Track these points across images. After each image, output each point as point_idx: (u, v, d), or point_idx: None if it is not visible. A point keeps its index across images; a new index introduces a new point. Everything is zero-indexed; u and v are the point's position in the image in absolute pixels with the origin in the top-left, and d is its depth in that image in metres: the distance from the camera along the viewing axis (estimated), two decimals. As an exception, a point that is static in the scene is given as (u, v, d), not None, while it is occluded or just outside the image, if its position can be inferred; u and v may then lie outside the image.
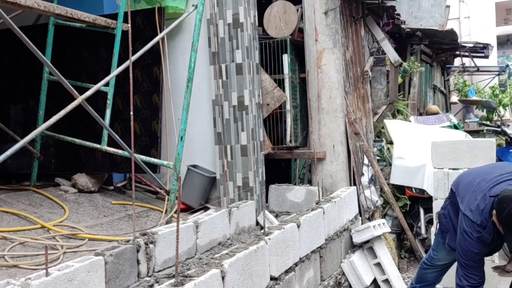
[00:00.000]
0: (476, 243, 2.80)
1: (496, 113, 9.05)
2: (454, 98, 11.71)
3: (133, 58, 3.40)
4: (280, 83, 4.75)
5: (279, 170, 5.63)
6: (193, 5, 4.20)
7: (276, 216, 4.26)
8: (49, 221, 3.58)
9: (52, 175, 4.71)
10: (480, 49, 11.00)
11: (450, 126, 6.31)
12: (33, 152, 4.41)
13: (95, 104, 3.76)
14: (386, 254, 4.13)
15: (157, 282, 2.44)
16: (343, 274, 3.92)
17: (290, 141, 4.75)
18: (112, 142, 3.89)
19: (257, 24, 4.62)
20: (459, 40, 9.88)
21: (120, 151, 3.98)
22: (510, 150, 5.38)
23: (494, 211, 2.69)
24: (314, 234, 3.37)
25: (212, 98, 4.46)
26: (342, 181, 4.61)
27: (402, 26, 7.27)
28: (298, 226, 3.12)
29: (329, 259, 3.69)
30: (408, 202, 5.07)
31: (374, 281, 4.07)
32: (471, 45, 10.87)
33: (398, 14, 6.94)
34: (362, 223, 4.51)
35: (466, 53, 11.16)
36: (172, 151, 4.47)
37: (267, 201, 4.51)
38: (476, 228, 2.80)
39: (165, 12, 4.58)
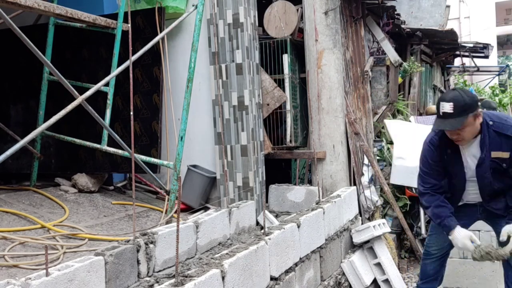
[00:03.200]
0: (428, 148, 3.06)
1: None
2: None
3: (133, 58, 3.40)
4: (280, 83, 4.75)
5: (279, 170, 5.63)
6: (193, 5, 4.20)
7: (276, 216, 4.26)
8: (49, 221, 3.58)
9: (52, 175, 4.71)
10: (480, 49, 11.01)
11: (450, 126, 6.28)
12: (33, 152, 4.41)
13: (95, 104, 3.76)
14: (386, 254, 4.13)
15: (157, 282, 2.44)
16: (343, 274, 3.92)
17: (290, 141, 4.75)
18: (112, 142, 3.89)
19: (257, 24, 4.62)
20: (459, 40, 9.88)
21: (120, 151, 3.98)
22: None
23: None
24: (314, 234, 3.37)
25: (212, 98, 4.46)
26: (342, 181, 4.61)
27: (402, 26, 7.27)
28: (298, 226, 3.12)
29: (329, 259, 3.69)
30: (408, 202, 5.08)
31: (374, 281, 4.07)
32: (471, 45, 10.87)
33: (398, 14, 6.94)
34: (362, 223, 4.51)
35: (466, 53, 11.16)
36: (172, 151, 4.47)
37: (267, 201, 4.51)
38: (430, 135, 3.08)
39: (165, 12, 4.58)
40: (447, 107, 2.77)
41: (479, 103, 2.97)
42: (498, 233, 3.05)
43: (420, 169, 3.13)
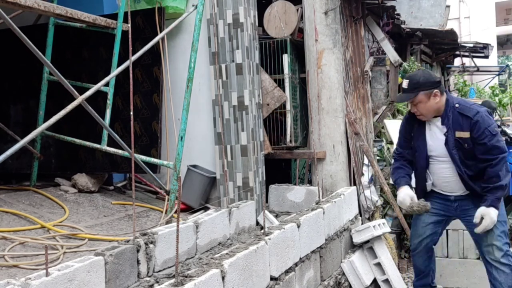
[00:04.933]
0: (403, 122, 3.51)
1: (496, 113, 9.05)
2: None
3: (133, 58, 3.40)
4: (280, 83, 4.75)
5: (279, 170, 5.63)
6: (193, 5, 4.20)
7: (276, 216, 4.26)
8: (49, 221, 3.58)
9: (52, 175, 4.71)
10: (480, 49, 11.01)
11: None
12: (33, 152, 4.41)
13: (95, 104, 3.76)
14: (386, 254, 4.13)
15: (157, 282, 2.44)
16: (343, 274, 3.92)
17: (290, 141, 4.75)
18: (112, 142, 3.89)
19: (257, 24, 4.62)
20: (459, 40, 9.89)
21: (120, 151, 3.98)
22: (510, 150, 5.36)
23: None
24: (314, 234, 3.37)
25: (212, 98, 4.46)
26: (342, 181, 4.62)
27: (402, 26, 7.27)
28: (298, 226, 3.12)
29: (329, 259, 3.69)
30: (408, 202, 5.06)
31: (374, 281, 4.07)
32: (471, 45, 10.88)
33: (398, 14, 6.95)
34: (362, 223, 4.51)
35: (466, 53, 11.16)
36: (172, 151, 4.46)
37: (267, 201, 4.51)
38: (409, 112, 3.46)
39: (165, 12, 4.58)
40: (404, 83, 3.26)
41: (440, 85, 3.24)
42: (471, 231, 3.29)
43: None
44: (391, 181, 5.06)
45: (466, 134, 3.12)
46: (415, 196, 3.28)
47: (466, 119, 3.13)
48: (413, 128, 3.37)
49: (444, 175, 3.29)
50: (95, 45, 4.65)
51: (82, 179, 4.47)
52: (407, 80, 3.25)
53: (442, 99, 3.22)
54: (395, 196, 5.00)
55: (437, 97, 3.20)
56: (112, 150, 4.02)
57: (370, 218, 4.63)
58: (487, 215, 3.06)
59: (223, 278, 2.24)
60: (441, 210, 3.40)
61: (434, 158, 3.30)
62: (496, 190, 3.07)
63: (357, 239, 4.15)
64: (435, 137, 3.27)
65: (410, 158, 3.42)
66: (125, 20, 3.96)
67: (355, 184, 4.64)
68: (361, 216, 4.60)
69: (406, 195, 3.26)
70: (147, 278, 2.55)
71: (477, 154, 3.12)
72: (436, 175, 3.34)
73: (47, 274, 1.96)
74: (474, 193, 3.20)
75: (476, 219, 3.10)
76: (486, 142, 3.07)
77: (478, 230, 3.10)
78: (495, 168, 3.07)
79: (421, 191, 3.40)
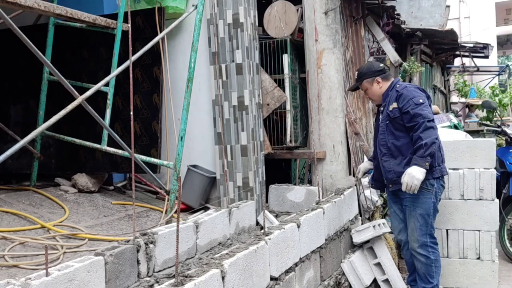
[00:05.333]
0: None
1: (496, 113, 9.05)
2: (454, 98, 11.71)
3: (133, 58, 3.40)
4: (280, 83, 4.75)
5: (279, 170, 5.63)
6: (193, 5, 4.20)
7: (276, 216, 4.26)
8: (49, 221, 3.58)
9: (52, 175, 4.71)
10: (480, 49, 11.01)
11: (450, 126, 6.32)
12: (33, 152, 4.41)
13: (95, 104, 3.76)
14: (386, 254, 4.13)
15: (157, 282, 2.44)
16: (343, 274, 3.92)
17: (290, 141, 4.75)
18: (112, 142, 3.89)
19: (257, 24, 4.62)
20: (459, 40, 9.89)
21: (120, 151, 3.98)
22: (510, 150, 5.37)
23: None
24: (314, 234, 3.37)
25: (212, 98, 4.46)
26: (342, 181, 4.61)
27: (402, 26, 7.27)
28: (298, 226, 3.12)
29: (329, 259, 3.69)
30: (408, 202, 5.07)
31: (374, 281, 4.07)
32: (471, 45, 10.88)
33: (398, 14, 6.94)
34: (362, 223, 4.51)
35: (466, 53, 11.17)
36: (172, 151, 4.47)
37: (267, 201, 4.51)
38: None
39: (165, 12, 4.58)
40: (355, 74, 3.91)
41: (381, 73, 3.73)
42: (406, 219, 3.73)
43: None
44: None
45: (394, 105, 3.57)
46: (365, 169, 4.08)
47: (396, 93, 3.60)
48: (378, 113, 3.89)
49: (381, 156, 3.69)
50: (95, 45, 4.65)
51: (82, 179, 4.47)
52: (356, 72, 3.90)
53: (385, 85, 3.74)
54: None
55: (380, 83, 3.74)
56: (112, 150, 4.02)
57: (370, 218, 4.63)
58: (407, 173, 3.37)
59: (223, 278, 2.24)
60: (391, 202, 3.86)
61: (378, 140, 3.73)
62: (418, 149, 3.36)
63: (357, 239, 4.15)
64: (380, 117, 3.78)
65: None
66: (125, 20, 3.96)
67: (355, 184, 4.64)
68: (361, 216, 4.60)
69: (363, 166, 4.12)
70: (147, 278, 2.55)
71: (405, 124, 3.49)
72: (377, 160, 3.77)
73: (47, 274, 1.96)
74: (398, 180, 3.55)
75: (402, 180, 3.42)
76: (409, 110, 3.44)
77: (402, 188, 3.43)
78: (417, 132, 3.38)
79: (380, 181, 3.86)
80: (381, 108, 3.76)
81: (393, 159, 3.59)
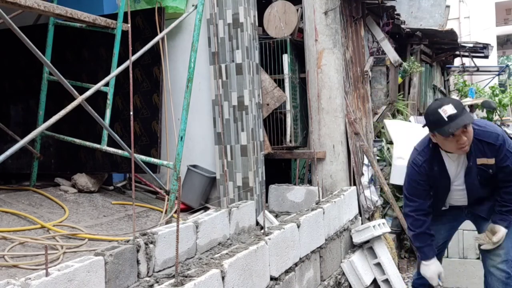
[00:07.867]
0: (412, 170, 2.98)
1: (496, 113, 9.06)
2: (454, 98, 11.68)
3: (133, 58, 3.40)
4: (280, 83, 4.75)
5: (279, 170, 5.63)
6: (193, 5, 4.20)
7: (276, 216, 4.26)
8: (49, 221, 3.58)
9: (52, 175, 4.71)
10: (480, 49, 11.01)
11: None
12: (33, 152, 4.41)
13: (95, 104, 3.76)
14: (386, 254, 4.13)
15: (157, 282, 2.44)
16: (343, 274, 3.92)
17: (290, 141, 4.75)
18: (112, 142, 3.89)
19: (257, 24, 4.62)
20: (459, 40, 9.88)
21: (120, 151, 3.98)
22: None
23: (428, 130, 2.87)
24: (314, 234, 3.37)
25: (212, 98, 4.46)
26: (342, 181, 4.61)
27: (402, 26, 7.27)
28: (298, 226, 3.12)
29: (329, 259, 3.69)
30: (408, 202, 5.06)
31: (374, 281, 4.07)
32: (471, 45, 10.88)
33: (398, 14, 6.94)
34: (362, 223, 4.51)
35: (466, 53, 11.16)
36: (172, 151, 4.46)
37: (267, 201, 4.51)
38: (413, 155, 3.03)
39: (165, 12, 4.58)
40: (450, 109, 2.69)
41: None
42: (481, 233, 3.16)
43: (405, 190, 3.10)
44: (391, 181, 5.07)
45: (491, 161, 2.86)
46: (442, 271, 3.12)
47: (487, 145, 2.83)
48: (432, 172, 2.96)
49: (457, 197, 3.10)
50: (95, 45, 4.65)
51: (82, 179, 4.47)
52: (450, 105, 2.71)
53: None
54: (395, 196, 5.02)
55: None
56: (112, 150, 4.01)
57: (370, 218, 4.63)
58: (503, 231, 2.95)
59: (223, 278, 2.24)
60: (453, 219, 3.27)
61: (454, 186, 3.04)
62: None
63: (357, 239, 4.15)
64: (457, 170, 2.96)
65: (430, 210, 3.07)
66: (125, 20, 3.96)
67: (355, 184, 4.64)
68: (361, 216, 4.60)
69: (435, 273, 3.06)
70: (147, 278, 2.55)
71: (499, 177, 2.92)
72: (451, 199, 3.15)
73: (47, 274, 1.96)
74: (484, 201, 3.10)
75: (496, 239, 2.98)
76: (509, 164, 2.85)
77: (486, 247, 3.01)
78: None
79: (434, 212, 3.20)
80: (449, 159, 2.94)
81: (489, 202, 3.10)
